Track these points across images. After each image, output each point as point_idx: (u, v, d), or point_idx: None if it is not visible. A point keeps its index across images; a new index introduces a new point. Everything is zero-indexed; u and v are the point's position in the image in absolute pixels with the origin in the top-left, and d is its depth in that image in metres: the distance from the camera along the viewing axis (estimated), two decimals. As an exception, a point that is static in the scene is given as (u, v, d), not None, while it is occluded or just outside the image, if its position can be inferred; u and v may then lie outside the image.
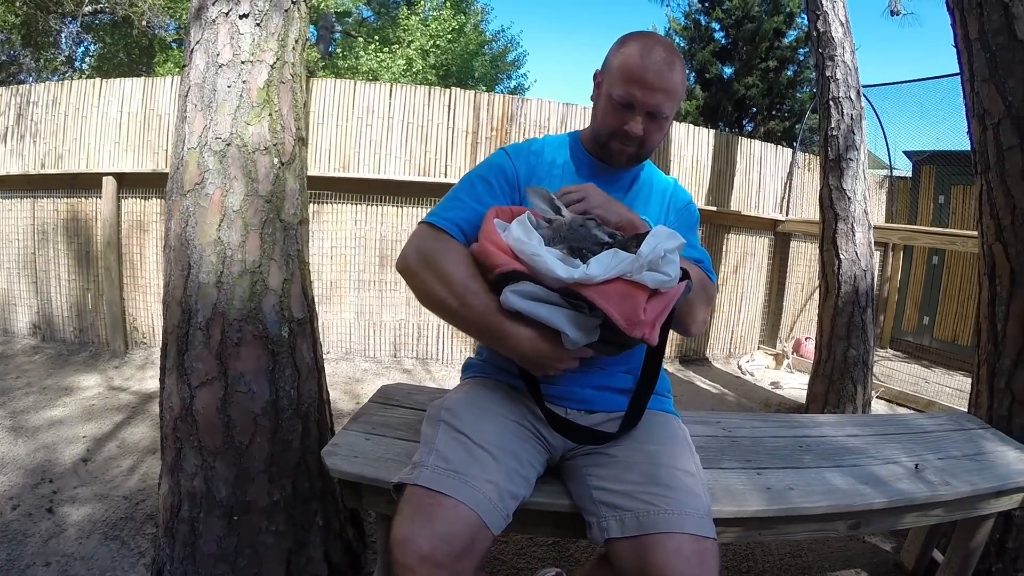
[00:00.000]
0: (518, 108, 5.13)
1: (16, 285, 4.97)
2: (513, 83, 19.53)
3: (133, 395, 3.80)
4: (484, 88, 16.30)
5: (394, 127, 4.92)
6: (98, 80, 4.79)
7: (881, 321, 6.71)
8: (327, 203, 4.84)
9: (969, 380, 2.56)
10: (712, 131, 5.86)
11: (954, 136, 5.94)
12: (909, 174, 7.25)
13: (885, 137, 7.02)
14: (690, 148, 5.66)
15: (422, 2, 15.53)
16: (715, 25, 14.56)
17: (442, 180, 4.85)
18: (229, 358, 1.86)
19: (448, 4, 15.48)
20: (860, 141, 3.95)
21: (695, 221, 1.66)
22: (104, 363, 4.46)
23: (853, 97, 3.96)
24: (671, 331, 1.36)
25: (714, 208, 5.63)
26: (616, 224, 1.34)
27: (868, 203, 3.98)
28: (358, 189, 4.85)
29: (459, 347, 5.14)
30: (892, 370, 5.60)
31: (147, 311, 4.79)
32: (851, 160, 3.91)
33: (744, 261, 6.01)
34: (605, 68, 1.49)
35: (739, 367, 5.70)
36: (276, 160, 1.94)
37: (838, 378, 3.89)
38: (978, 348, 2.42)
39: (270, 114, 1.93)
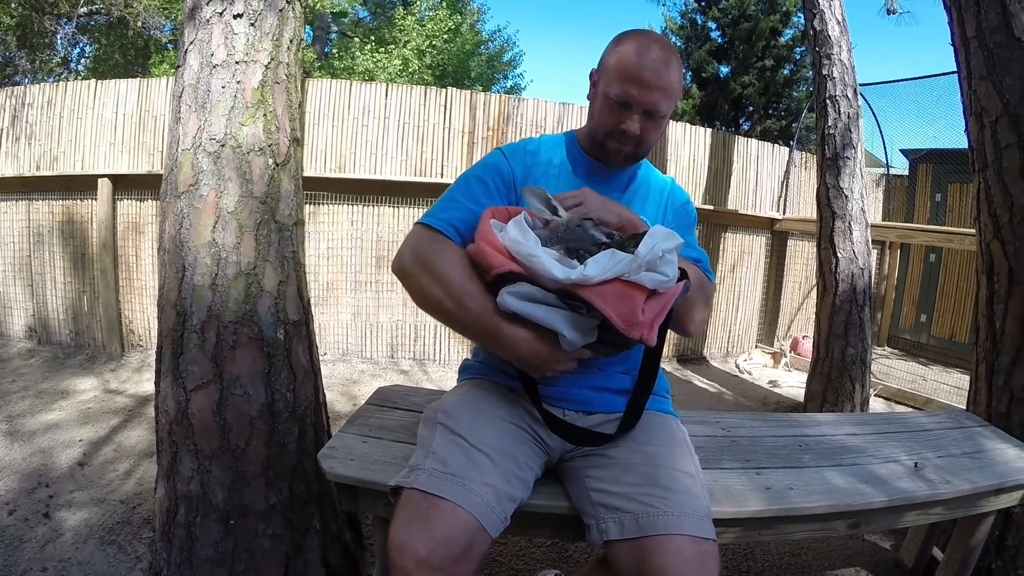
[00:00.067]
0: (514, 108, 5.12)
1: (12, 288, 4.95)
2: (509, 83, 19.52)
3: (129, 398, 3.78)
4: (480, 88, 16.28)
5: (390, 127, 4.91)
6: (93, 81, 4.78)
7: (878, 319, 6.72)
8: (323, 204, 4.83)
9: (966, 377, 2.56)
10: (709, 130, 5.86)
11: (951, 134, 5.96)
12: (906, 172, 7.26)
13: (882, 135, 7.03)
14: (687, 147, 5.65)
15: (418, 2, 15.51)
16: (711, 24, 14.57)
17: (438, 180, 4.84)
18: (224, 361, 1.85)
19: (444, 4, 15.47)
20: (857, 139, 3.95)
21: (693, 220, 1.66)
22: (100, 366, 4.44)
23: (850, 95, 3.96)
24: (669, 331, 1.35)
25: (711, 207, 5.63)
26: (616, 224, 1.33)
27: (865, 201, 3.97)
28: (354, 190, 4.84)
29: (456, 348, 5.13)
30: (890, 368, 5.60)
31: (143, 313, 4.77)
32: (848, 158, 3.90)
33: (741, 260, 6.01)
34: (601, 67, 1.48)
35: (737, 366, 5.70)
36: (271, 161, 1.93)
37: (836, 376, 3.89)
38: (976, 346, 2.41)
39: (264, 115, 1.92)
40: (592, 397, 1.48)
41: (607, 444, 1.37)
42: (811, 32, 4.07)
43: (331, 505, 2.06)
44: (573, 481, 1.38)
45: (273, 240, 1.93)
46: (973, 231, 2.47)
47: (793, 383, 5.12)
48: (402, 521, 1.13)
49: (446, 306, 1.29)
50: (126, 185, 4.62)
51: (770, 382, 5.22)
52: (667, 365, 5.42)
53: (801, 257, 6.34)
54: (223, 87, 1.88)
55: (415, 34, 14.42)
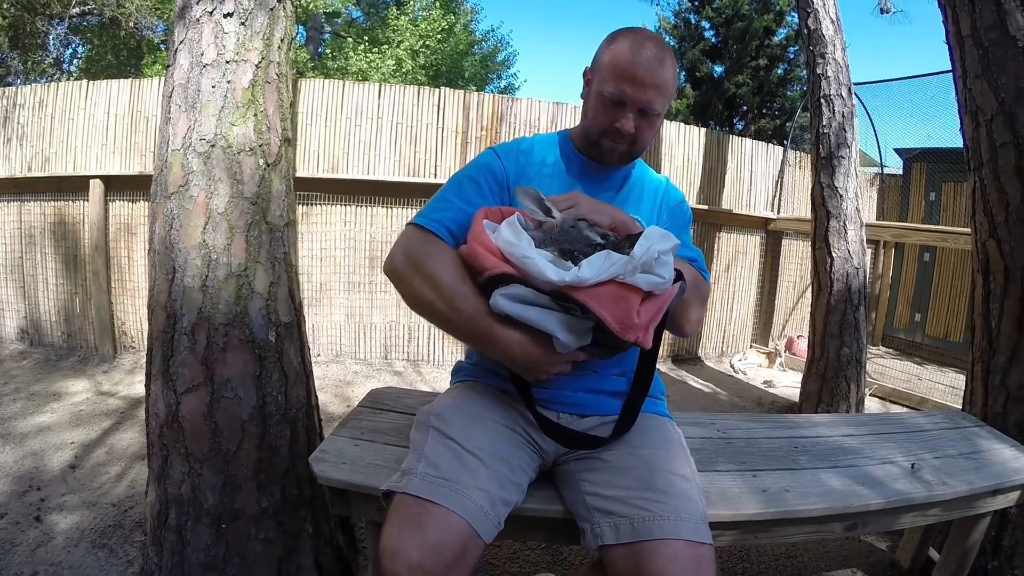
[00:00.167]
0: (508, 108, 5.11)
1: (3, 289, 4.91)
2: (503, 83, 19.51)
3: (122, 400, 3.76)
4: (474, 88, 16.27)
5: (383, 127, 4.89)
6: (85, 82, 4.75)
7: (873, 318, 6.73)
8: (316, 204, 4.81)
9: (962, 376, 2.55)
10: (703, 130, 5.86)
11: (945, 133, 5.98)
12: (900, 171, 7.27)
13: (876, 135, 7.03)
14: (681, 147, 5.65)
15: (411, 2, 15.48)
16: (705, 24, 14.55)
17: (432, 180, 4.83)
18: (215, 363, 1.83)
19: (438, 4, 15.43)
20: (851, 138, 3.95)
21: (688, 220, 1.64)
22: (92, 368, 4.42)
23: (844, 95, 3.95)
24: (664, 331, 1.34)
25: (705, 207, 5.63)
26: (608, 226, 1.32)
27: (860, 200, 3.97)
28: (347, 190, 4.83)
29: (450, 349, 5.11)
30: (885, 367, 5.61)
31: (135, 315, 4.75)
32: (843, 158, 3.90)
33: (736, 259, 6.01)
34: (595, 65, 1.46)
35: (732, 366, 5.70)
36: (262, 161, 1.91)
37: (831, 376, 3.88)
38: (972, 345, 2.41)
39: (255, 114, 1.91)
40: (587, 400, 1.46)
41: (602, 447, 1.36)
42: (805, 31, 4.07)
43: (324, 508, 2.04)
44: (568, 485, 1.36)
45: (264, 241, 1.91)
46: (967, 230, 2.46)
47: (788, 383, 5.12)
48: (394, 526, 1.12)
49: (438, 308, 1.27)
50: (118, 186, 4.60)
51: (765, 382, 5.22)
52: (662, 365, 5.42)
53: (796, 257, 6.34)
54: (213, 87, 1.87)
55: (408, 34, 14.39)
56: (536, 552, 2.36)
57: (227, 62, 1.88)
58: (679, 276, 1.25)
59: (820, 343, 3.95)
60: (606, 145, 1.46)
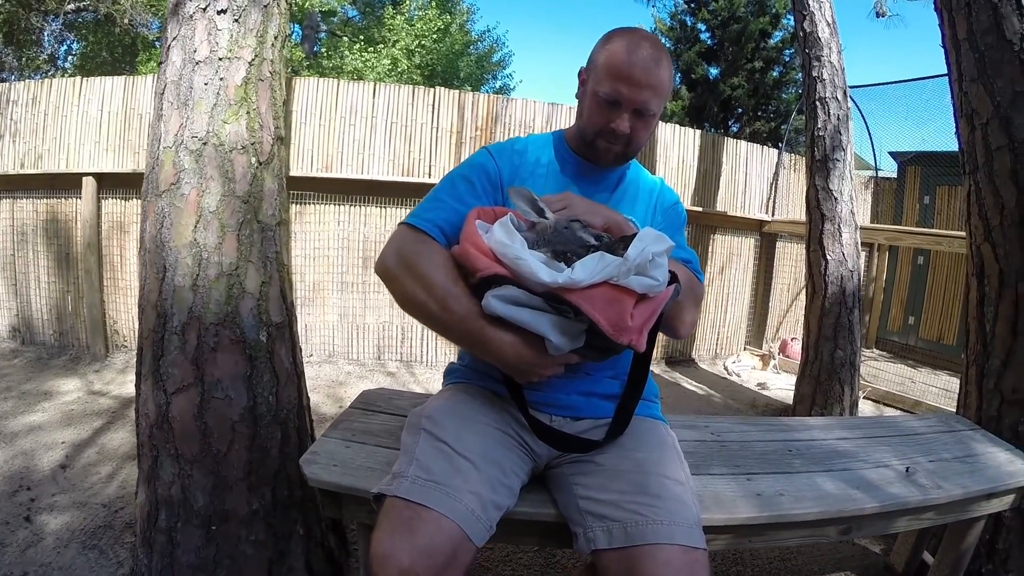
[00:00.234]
0: (503, 108, 5.10)
1: (-5, 288, 4.88)
2: (499, 83, 19.54)
3: (113, 399, 3.74)
4: (469, 88, 16.27)
5: (378, 127, 4.87)
6: (78, 79, 4.72)
7: (867, 321, 6.73)
8: (310, 204, 4.79)
9: (955, 379, 2.55)
10: (698, 131, 5.85)
11: (939, 137, 6.00)
12: (894, 175, 7.29)
13: (871, 138, 7.06)
14: (676, 148, 5.65)
15: (407, 2, 15.48)
16: (701, 26, 14.60)
17: (426, 180, 4.81)
18: (205, 363, 1.82)
19: (433, 4, 15.45)
20: (847, 141, 3.95)
21: (682, 221, 1.63)
22: (84, 367, 4.39)
23: (840, 97, 3.95)
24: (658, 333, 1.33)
25: (700, 209, 5.62)
26: (602, 227, 1.30)
27: (855, 203, 3.97)
28: (341, 190, 4.81)
29: (444, 349, 5.10)
30: (878, 370, 5.61)
31: (128, 314, 4.71)
32: (837, 160, 3.90)
33: (730, 262, 6.01)
34: (590, 65, 1.45)
35: (725, 368, 5.70)
36: (254, 159, 1.90)
37: (825, 379, 3.88)
38: (967, 349, 2.41)
39: (248, 112, 1.89)
40: (580, 402, 1.45)
41: (595, 451, 1.35)
42: (801, 34, 4.07)
43: (315, 510, 2.03)
44: (560, 488, 1.35)
45: (256, 240, 1.89)
46: (962, 233, 2.47)
47: (782, 385, 5.12)
48: (385, 530, 1.11)
49: (430, 309, 1.26)
50: (111, 184, 4.57)
51: (759, 384, 5.22)
52: (655, 367, 5.41)
53: (790, 259, 6.34)
54: (206, 84, 1.85)
55: (404, 34, 14.40)
56: (529, 555, 2.35)
57: (220, 59, 1.87)
58: (673, 278, 1.24)
59: (814, 346, 3.95)
60: (601, 145, 1.45)
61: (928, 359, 6.36)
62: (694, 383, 5.17)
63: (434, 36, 14.76)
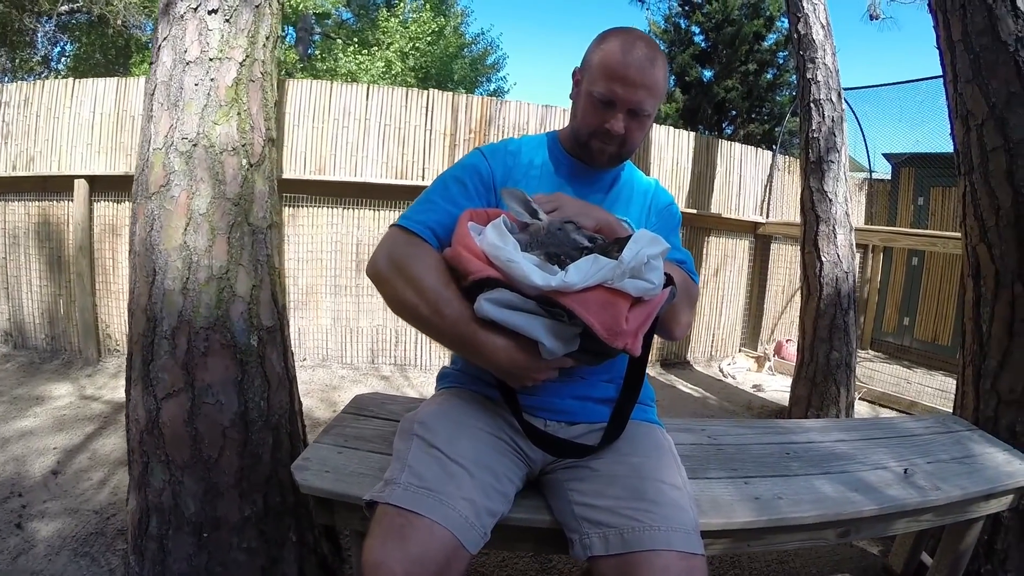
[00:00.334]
0: (497, 110, 5.09)
1: (-14, 291, 4.85)
2: (493, 86, 19.52)
3: (105, 404, 3.71)
4: (463, 91, 16.26)
5: (371, 129, 4.86)
6: (71, 80, 4.69)
7: (861, 322, 6.74)
8: (303, 207, 4.78)
9: (950, 380, 2.55)
10: (692, 134, 5.86)
11: (933, 138, 6.02)
12: (888, 176, 7.31)
13: (865, 140, 7.08)
14: (670, 151, 5.65)
15: (402, 4, 15.47)
16: (695, 28, 14.63)
17: (419, 183, 4.80)
18: (196, 368, 1.80)
19: (428, 6, 15.43)
20: (841, 143, 3.95)
21: (677, 222, 1.62)
22: (76, 371, 4.36)
23: (834, 99, 3.95)
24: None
25: (694, 211, 5.64)
26: (594, 228, 1.29)
27: (849, 205, 3.97)
28: (334, 192, 4.80)
29: (437, 353, 5.08)
30: (874, 371, 5.62)
31: (120, 318, 4.69)
32: (832, 162, 3.90)
33: (725, 264, 6.01)
34: (585, 65, 1.43)
35: (720, 370, 5.70)
36: (244, 161, 1.88)
37: (821, 380, 3.88)
38: (963, 349, 2.40)
39: (239, 113, 1.88)
40: (574, 407, 1.43)
41: (590, 456, 1.33)
42: (795, 36, 4.07)
43: (308, 516, 2.00)
44: (555, 494, 1.33)
45: (246, 243, 1.87)
46: (956, 234, 2.47)
47: (777, 387, 5.12)
48: (377, 538, 1.09)
49: (422, 312, 1.24)
50: (103, 186, 4.55)
51: (754, 386, 5.22)
52: (650, 370, 5.41)
53: (784, 261, 6.35)
54: (196, 84, 1.84)
55: (398, 36, 14.38)
56: (525, 560, 2.34)
57: (211, 59, 1.85)
58: (669, 280, 1.22)
59: (809, 347, 3.95)
60: (595, 146, 1.43)
61: (923, 360, 6.37)
62: (689, 385, 5.17)
63: (428, 39, 14.75)
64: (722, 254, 5.99)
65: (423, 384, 4.64)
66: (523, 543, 1.45)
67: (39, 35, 11.65)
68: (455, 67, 16.71)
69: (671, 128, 5.75)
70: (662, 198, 1.60)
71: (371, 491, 1.19)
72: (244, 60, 1.90)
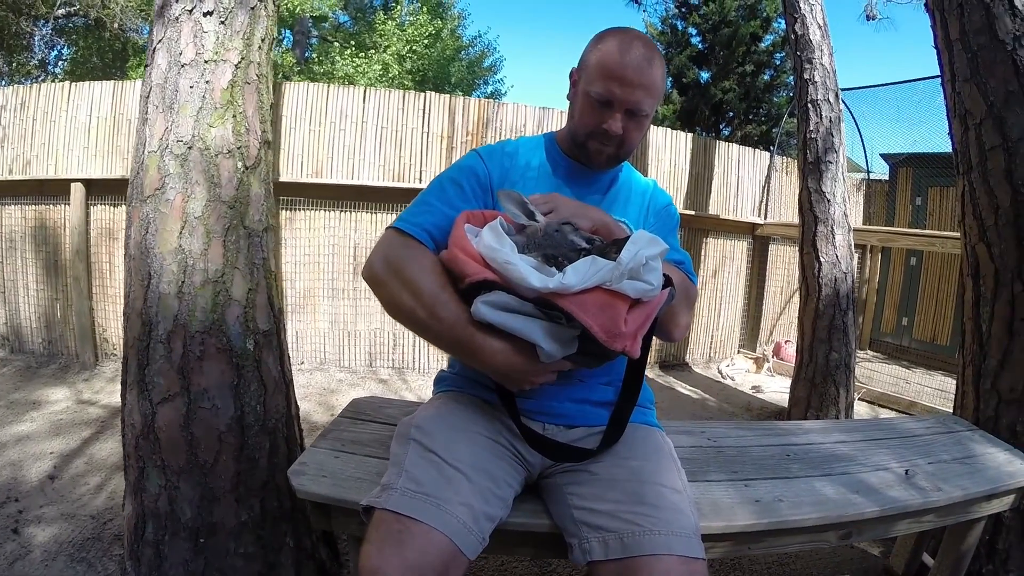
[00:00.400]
0: (494, 112, 5.08)
1: (-18, 295, 4.83)
2: (490, 89, 19.53)
3: (102, 409, 3.70)
4: (461, 94, 16.28)
5: (368, 132, 4.85)
6: (67, 84, 4.69)
7: (860, 323, 6.74)
8: (300, 210, 4.77)
9: (949, 379, 2.54)
10: (690, 135, 5.85)
11: (931, 138, 6.02)
12: (886, 177, 7.31)
13: (862, 140, 7.08)
14: (668, 152, 5.65)
15: (398, 7, 15.47)
16: (692, 30, 14.62)
17: (417, 185, 4.79)
18: (191, 372, 1.78)
19: (425, 9, 15.44)
20: (839, 143, 3.95)
21: (675, 223, 1.61)
22: (73, 375, 4.35)
23: (831, 100, 3.95)
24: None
25: (692, 212, 5.64)
26: (590, 229, 1.28)
27: (847, 205, 3.97)
28: (331, 195, 4.79)
29: (436, 356, 5.06)
30: (873, 371, 5.61)
31: (117, 322, 4.66)
32: (830, 163, 3.89)
33: (723, 265, 6.01)
34: (582, 65, 1.42)
35: (719, 371, 5.69)
36: (240, 164, 1.87)
37: (820, 381, 3.87)
38: (963, 349, 2.40)
39: (234, 116, 1.87)
40: (573, 410, 1.42)
41: (589, 459, 1.32)
42: (792, 36, 4.06)
43: (305, 521, 1.99)
44: (554, 498, 1.32)
45: (242, 246, 1.86)
46: (954, 234, 2.46)
47: (776, 388, 5.11)
48: (373, 544, 1.07)
49: (418, 315, 1.23)
50: (100, 190, 4.54)
51: (753, 387, 5.21)
52: (649, 372, 5.40)
53: (782, 262, 6.35)
54: (191, 87, 1.83)
55: (395, 39, 14.39)
56: (524, 564, 2.32)
57: (206, 62, 1.85)
58: (668, 282, 1.21)
59: (809, 348, 3.94)
60: (593, 147, 1.42)
61: (922, 360, 6.38)
62: (688, 387, 5.16)
63: (425, 41, 14.76)
64: (720, 255, 5.98)
65: (421, 387, 4.63)
66: (522, 547, 1.44)
67: (36, 39, 11.66)
68: (452, 70, 16.73)
69: (668, 130, 5.75)
70: (660, 199, 1.59)
71: (368, 496, 1.18)
72: (239, 62, 1.89)
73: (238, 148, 1.87)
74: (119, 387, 3.91)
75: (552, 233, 1.21)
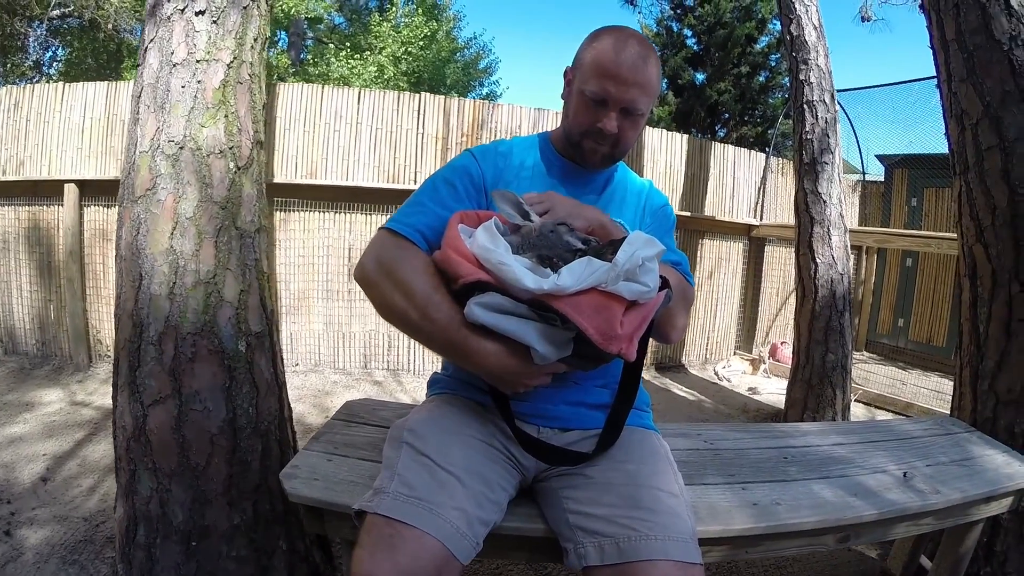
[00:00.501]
0: (489, 113, 5.08)
1: (-25, 297, 4.80)
2: (486, 90, 19.56)
3: (95, 410, 3.68)
4: (456, 95, 16.28)
5: (363, 133, 4.84)
6: (60, 84, 4.68)
7: (856, 324, 6.74)
8: (294, 211, 4.75)
9: (945, 381, 2.54)
10: (685, 136, 5.86)
11: (926, 139, 6.03)
12: (882, 178, 7.32)
13: (857, 141, 7.09)
14: (663, 153, 5.64)
15: (394, 9, 15.47)
16: (687, 31, 14.62)
17: (411, 187, 4.76)
18: (183, 374, 1.77)
19: (420, 11, 15.45)
20: (835, 144, 3.94)
21: (671, 224, 1.59)
22: (67, 377, 4.33)
23: (827, 101, 3.94)
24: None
25: (688, 213, 5.63)
26: (585, 228, 1.27)
27: (843, 206, 3.96)
28: (326, 196, 4.78)
29: (431, 358, 5.04)
30: (869, 373, 5.61)
31: (111, 323, 4.61)
32: (826, 164, 3.89)
33: (719, 266, 6.01)
34: (577, 63, 1.41)
35: (716, 373, 5.68)
36: (232, 164, 1.85)
37: (817, 383, 3.86)
38: (960, 350, 2.39)
39: (226, 116, 1.85)
40: (568, 413, 1.40)
41: (585, 463, 1.30)
42: (788, 37, 4.06)
43: (298, 524, 1.97)
44: (549, 503, 1.30)
45: (234, 247, 1.85)
46: (950, 235, 2.45)
47: (773, 390, 5.11)
48: (366, 548, 1.06)
49: (411, 317, 1.21)
50: (93, 191, 4.52)
51: (749, 389, 5.20)
52: (645, 373, 5.39)
53: (778, 263, 6.36)
54: (183, 87, 1.81)
55: (391, 41, 14.40)
56: (519, 567, 2.31)
57: (198, 61, 1.83)
58: (664, 283, 1.20)
59: (805, 350, 3.93)
60: (588, 146, 1.41)
61: (918, 361, 6.39)
62: (684, 389, 5.15)
63: (420, 43, 14.78)
64: (716, 257, 5.98)
65: (416, 389, 4.61)
66: (517, 552, 1.43)
67: (30, 39, 11.62)
68: (447, 71, 16.75)
69: (664, 131, 5.76)
70: (656, 199, 1.58)
71: (360, 500, 1.17)
72: (231, 62, 1.87)
73: (230, 148, 1.85)
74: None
75: (547, 234, 1.19)
